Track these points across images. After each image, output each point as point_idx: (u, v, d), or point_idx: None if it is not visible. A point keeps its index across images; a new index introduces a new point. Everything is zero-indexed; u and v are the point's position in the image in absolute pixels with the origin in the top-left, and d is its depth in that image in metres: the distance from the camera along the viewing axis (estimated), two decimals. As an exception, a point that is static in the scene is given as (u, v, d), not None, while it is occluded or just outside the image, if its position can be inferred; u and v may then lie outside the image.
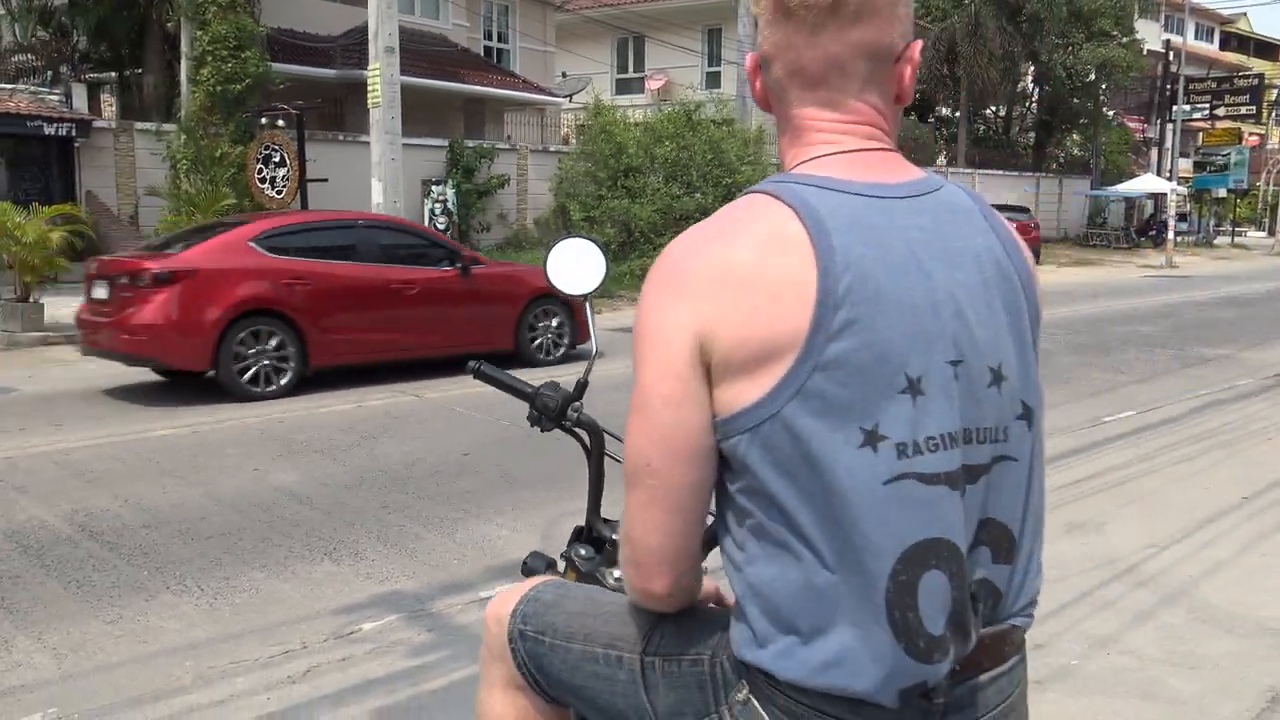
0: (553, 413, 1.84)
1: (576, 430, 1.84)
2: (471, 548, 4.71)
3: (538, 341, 10.08)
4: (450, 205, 13.20)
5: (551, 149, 21.34)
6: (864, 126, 1.19)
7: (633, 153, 18.52)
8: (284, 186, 13.46)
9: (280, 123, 13.58)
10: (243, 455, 6.36)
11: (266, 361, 8.19)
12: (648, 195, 17.98)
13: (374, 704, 3.22)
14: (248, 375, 8.12)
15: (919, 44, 1.22)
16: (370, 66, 13.00)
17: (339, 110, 19.63)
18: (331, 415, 7.57)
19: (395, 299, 8.84)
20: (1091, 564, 4.43)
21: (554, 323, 10.15)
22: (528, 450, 6.58)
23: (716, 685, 1.23)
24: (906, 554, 1.08)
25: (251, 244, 8.28)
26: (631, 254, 17.57)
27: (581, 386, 1.83)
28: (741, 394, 1.09)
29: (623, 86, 32.51)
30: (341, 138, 17.33)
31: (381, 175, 12.92)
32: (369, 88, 12.99)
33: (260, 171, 13.67)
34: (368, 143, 13.48)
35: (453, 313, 9.34)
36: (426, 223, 13.27)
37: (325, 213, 10.26)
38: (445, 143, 18.53)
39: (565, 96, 26.65)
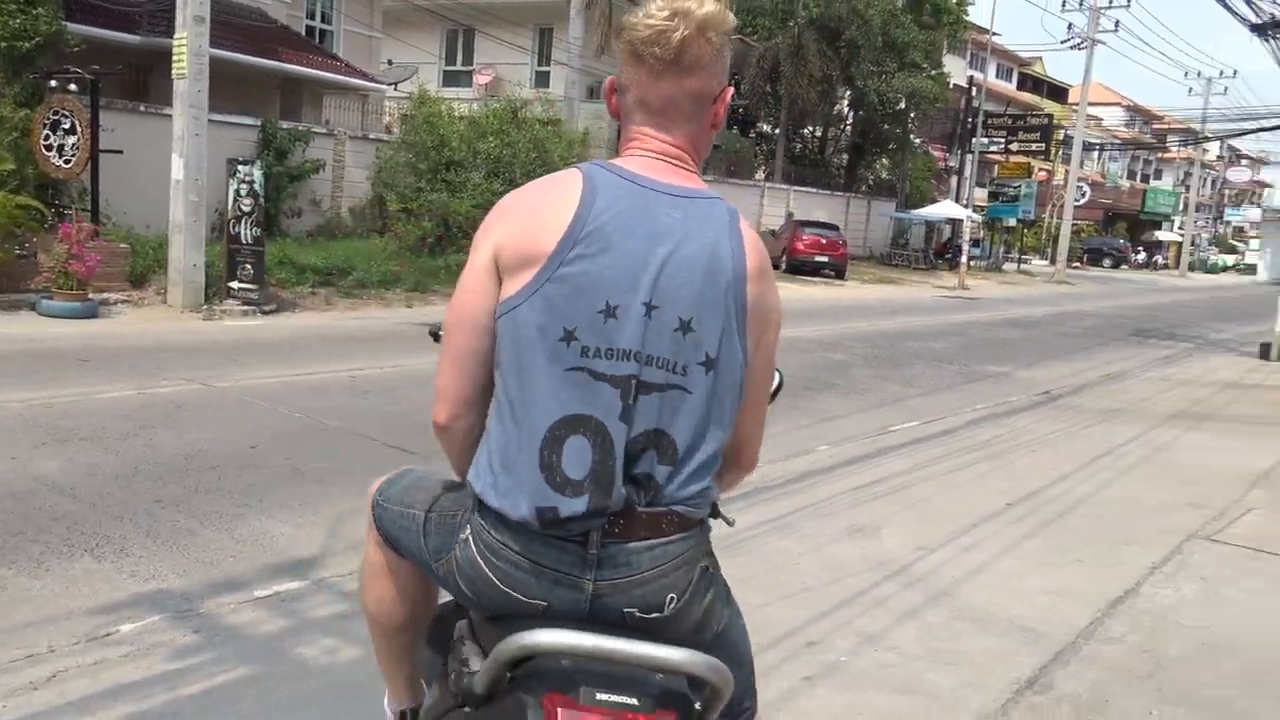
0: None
1: None
2: (251, 544, 4.49)
3: None
4: (257, 187, 12.56)
5: (371, 136, 20.70)
6: (675, 148, 1.68)
7: (455, 146, 18.19)
8: (73, 156, 12.53)
9: (73, 87, 12.61)
10: None
11: None
12: (468, 190, 17.69)
13: (124, 710, 3.01)
14: None
15: (730, 89, 1.72)
16: (177, 35, 12.27)
17: (143, 80, 18.46)
18: (107, 402, 7.08)
19: None
20: (867, 565, 4.62)
21: None
22: (319, 443, 6.35)
23: (456, 530, 1.71)
24: (564, 419, 1.55)
25: None
26: (449, 249, 17.26)
27: None
28: (510, 287, 1.59)
29: (450, 79, 31.98)
30: (143, 109, 16.29)
31: (183, 151, 12.21)
32: (174, 57, 12.26)
33: (47, 138, 12.66)
34: (171, 116, 12.72)
35: None
36: (230, 204, 12.60)
37: None
38: (257, 122, 17.69)
39: (389, 84, 25.96)
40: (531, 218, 1.59)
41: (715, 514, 1.85)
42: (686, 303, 1.58)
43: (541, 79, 30.31)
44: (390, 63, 28.66)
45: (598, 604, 1.59)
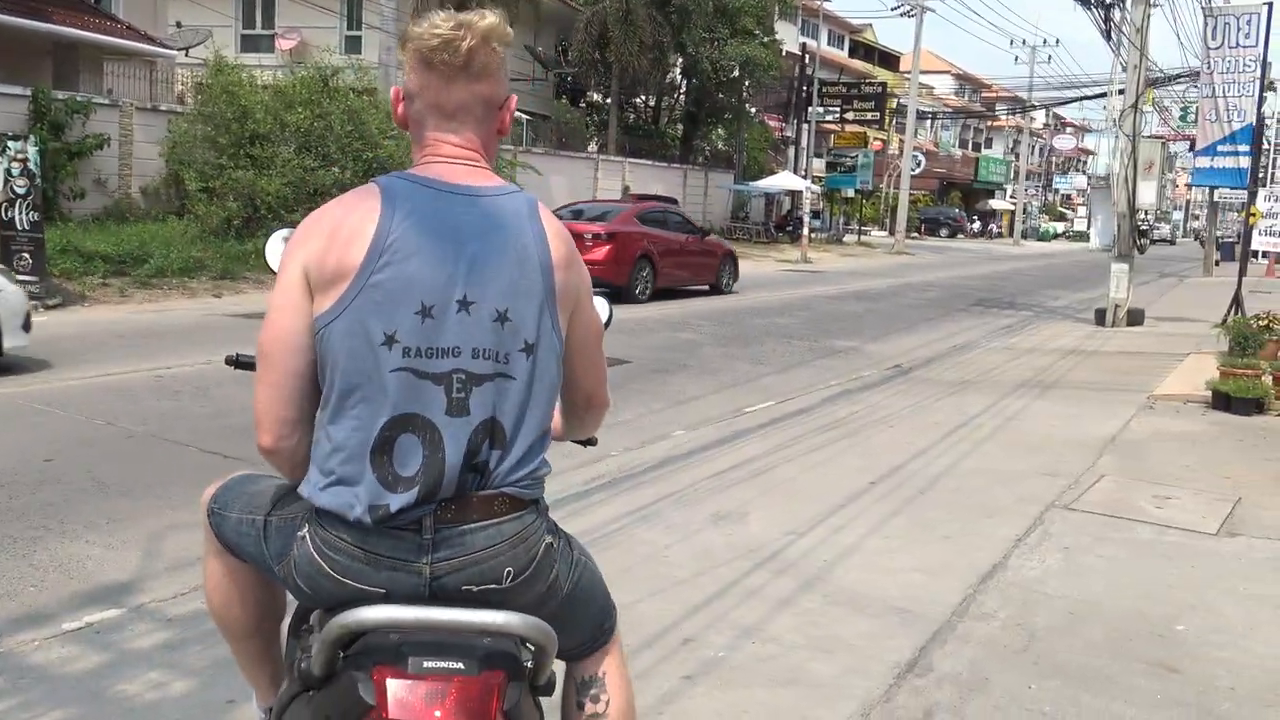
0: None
1: None
2: (54, 571, 4.19)
3: (724, 278, 18.73)
4: (32, 166, 11.71)
5: (163, 108, 19.65)
6: (468, 150, 1.86)
7: (260, 118, 17.49)
8: None
9: None
10: None
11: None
12: (277, 166, 17.05)
13: (-86, 771, 2.76)
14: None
15: (514, 98, 1.93)
16: (-75, -8, 11.32)
17: (-117, 43, 16.99)
18: None
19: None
20: (735, 554, 4.69)
21: (730, 269, 19.07)
22: (125, 453, 6.01)
23: (294, 530, 1.84)
24: (392, 420, 1.71)
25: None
26: (259, 231, 16.57)
27: None
28: (323, 303, 1.73)
29: (249, 44, 30.66)
30: (-114, 77, 15.00)
31: (-60, 125, 11.29)
32: (-77, 18, 11.31)
33: None
34: (-79, 84, 11.73)
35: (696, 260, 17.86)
36: (2, 184, 11.72)
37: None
38: (27, 92, 16.52)
39: (180, 50, 24.68)
40: (335, 233, 1.74)
41: (587, 443, 2.30)
42: (500, 295, 1.76)
43: (352, 44, 29.42)
44: (179, 25, 27.25)
45: (436, 585, 1.74)
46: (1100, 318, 15.74)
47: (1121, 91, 16.00)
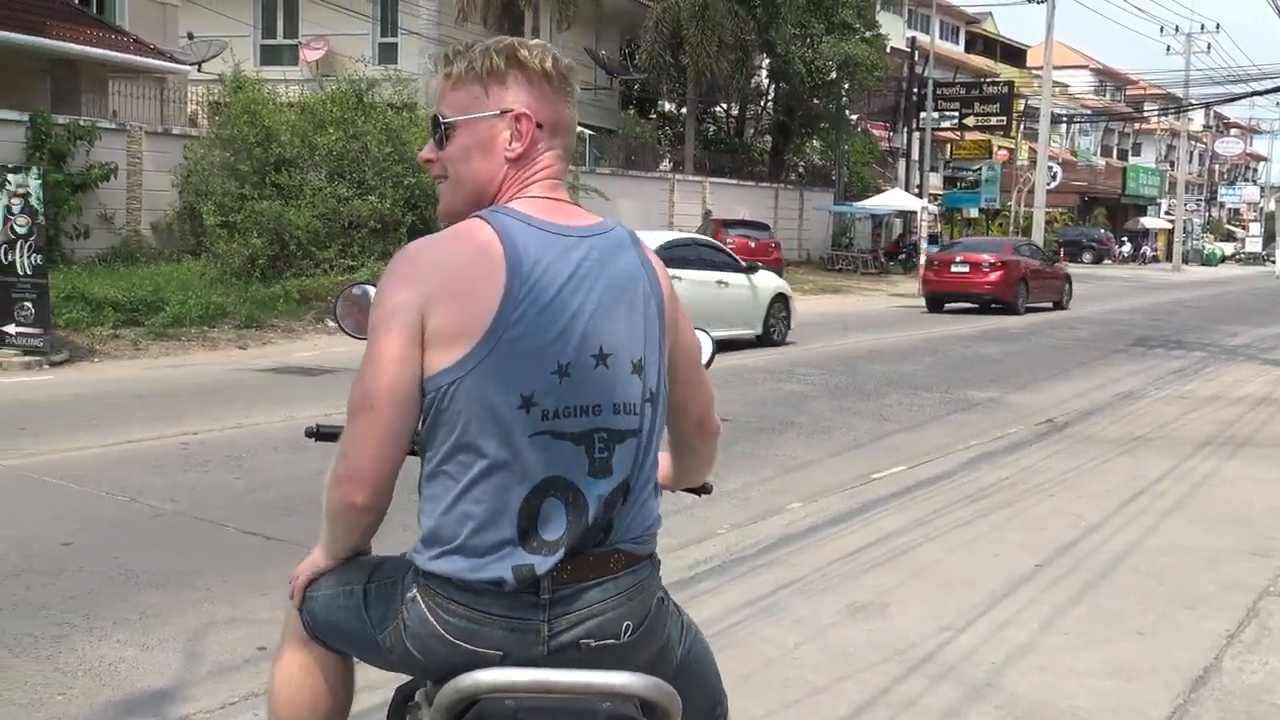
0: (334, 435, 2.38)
1: None
2: (84, 676, 4.25)
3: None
4: (34, 201, 12.09)
5: (175, 131, 20.30)
6: (559, 180, 2.03)
7: (286, 141, 17.96)
8: None
9: None
10: None
11: None
12: (306, 196, 17.45)
13: None
14: None
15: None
16: (-83, 8, 11.82)
17: None
18: None
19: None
20: (881, 655, 4.59)
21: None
22: (154, 535, 6.10)
23: (400, 593, 1.98)
24: (536, 486, 1.86)
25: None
26: (286, 271, 16.95)
27: None
28: (441, 359, 1.83)
29: (270, 55, 31.53)
30: None
31: (-67, 157, 11.74)
32: (-85, 37, 11.80)
33: None
34: (-88, 112, 12.22)
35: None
36: (1, 223, 12.12)
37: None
38: (24, 117, 17.14)
39: (193, 64, 25.47)
40: (457, 279, 1.84)
41: (702, 490, 2.46)
42: (634, 343, 1.94)
43: (387, 53, 30.13)
44: (191, 36, 28.17)
45: (554, 644, 1.89)
46: (1292, 358, 15.21)
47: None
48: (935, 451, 9.15)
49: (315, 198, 17.45)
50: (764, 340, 16.91)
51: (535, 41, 2.04)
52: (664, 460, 2.24)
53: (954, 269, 25.00)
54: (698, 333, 2.27)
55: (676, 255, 15.49)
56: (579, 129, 2.10)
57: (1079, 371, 14.94)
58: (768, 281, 17.65)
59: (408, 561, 2.01)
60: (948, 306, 24.12)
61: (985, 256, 24.75)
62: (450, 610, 1.89)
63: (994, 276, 24.27)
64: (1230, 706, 4.13)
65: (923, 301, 26.01)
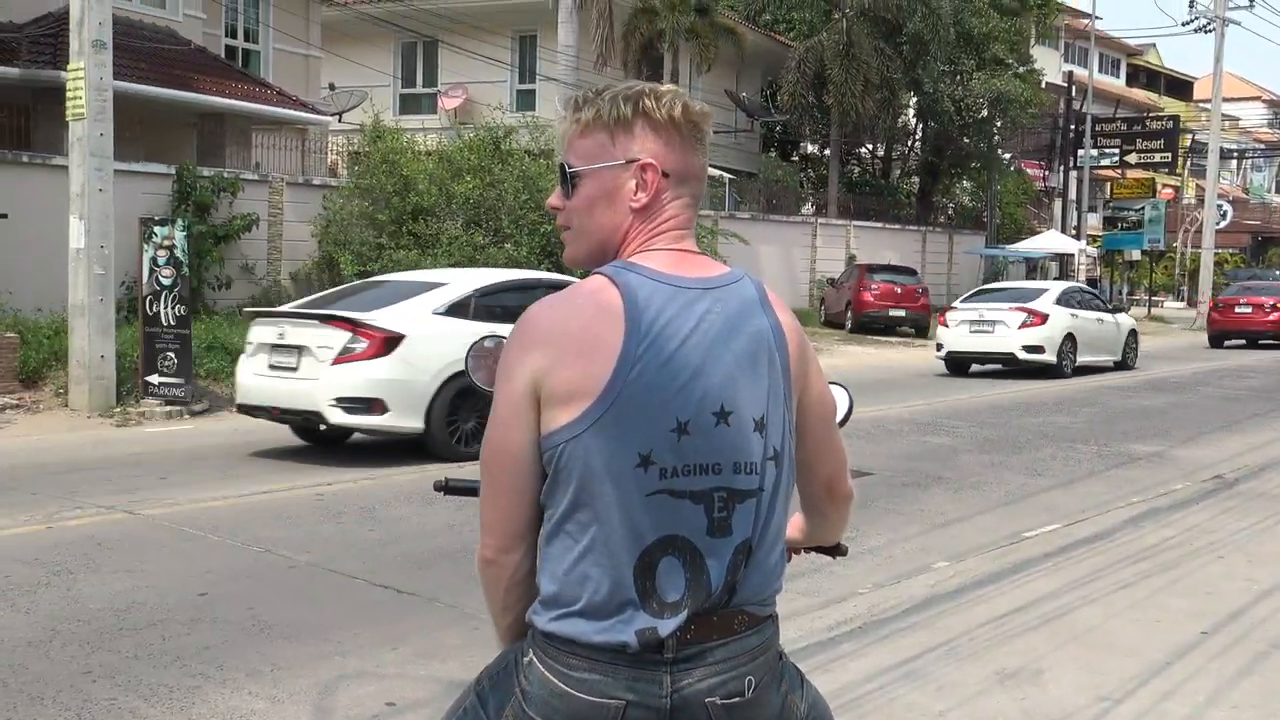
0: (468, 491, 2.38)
1: None
2: (215, 728, 4.38)
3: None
4: (179, 253, 12.63)
5: (315, 182, 20.98)
6: (685, 230, 2.04)
7: (424, 189, 18.42)
8: (-59, 223, 12.72)
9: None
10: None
11: None
12: (443, 245, 17.86)
13: None
14: None
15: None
16: (71, 66, 12.48)
17: (24, 122, 18.77)
18: (6, 543, 7.01)
19: None
20: (1034, 725, 4.48)
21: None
22: (287, 586, 6.27)
23: (517, 662, 1.99)
24: (652, 545, 1.87)
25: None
26: (422, 320, 17.30)
27: None
28: (559, 418, 1.87)
29: (409, 104, 32.46)
30: (27, 159, 16.55)
31: (84, 211, 12.34)
32: (68, 94, 12.45)
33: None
34: (65, 167, 12.87)
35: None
36: (146, 276, 12.67)
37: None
38: (171, 170, 17.93)
39: (333, 115, 26.30)
40: (574, 340, 1.89)
41: (835, 551, 2.41)
42: (756, 401, 1.94)
43: (524, 100, 30.77)
44: (332, 87, 29.14)
45: (678, 699, 1.90)
46: None
47: None
48: (1093, 509, 8.91)
49: (452, 246, 17.83)
50: (1121, 366, 21.97)
51: (667, 88, 2.05)
52: (796, 519, 2.27)
53: (1238, 310, 30.95)
54: (834, 388, 2.25)
55: (1074, 299, 21.55)
56: (719, 173, 2.20)
57: (1251, 424, 14.41)
58: (1125, 321, 23.15)
59: (518, 646, 2.04)
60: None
61: (1265, 300, 30.74)
62: (571, 665, 1.90)
63: (1274, 316, 30.32)
64: None
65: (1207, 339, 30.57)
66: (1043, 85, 39.41)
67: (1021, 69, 37.27)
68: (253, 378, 10.46)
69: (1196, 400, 16.99)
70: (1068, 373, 20.11)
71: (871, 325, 27.63)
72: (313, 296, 13.02)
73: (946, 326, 20.91)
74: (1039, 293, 21.61)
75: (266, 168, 21.80)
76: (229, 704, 4.61)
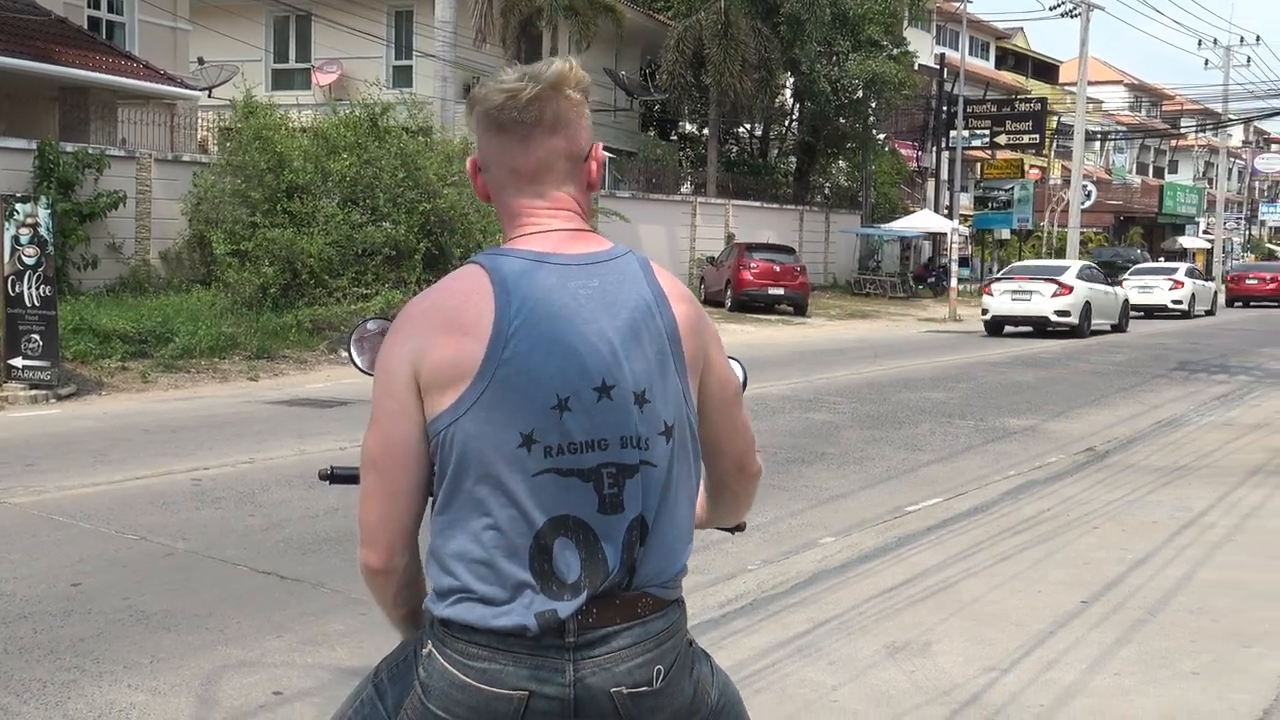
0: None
1: None
2: (92, 723, 4.22)
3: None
4: (44, 232, 12.18)
5: (185, 159, 20.37)
6: (563, 211, 1.99)
7: (299, 167, 18.03)
8: None
9: None
10: None
11: None
12: (319, 223, 17.50)
13: None
14: None
15: (600, 145, 2.06)
16: (-76, 35, 11.94)
17: None
18: None
19: None
20: (925, 697, 4.54)
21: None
22: (165, 575, 6.09)
23: (416, 654, 1.97)
24: (544, 525, 1.85)
25: None
26: (299, 300, 16.99)
27: None
28: (439, 404, 1.86)
29: (282, 79, 31.79)
30: (-125, 133, 15.81)
31: (-61, 187, 11.82)
32: (-79, 65, 11.92)
33: None
34: (-82, 141, 12.32)
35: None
36: (9, 254, 12.18)
37: None
38: (33, 145, 17.26)
39: (203, 90, 25.67)
40: (447, 325, 1.88)
41: (736, 528, 2.39)
42: (637, 374, 1.91)
43: (401, 76, 30.35)
44: (201, 61, 28.41)
45: (581, 688, 1.87)
46: (1342, 382, 15.25)
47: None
48: (972, 483, 9.08)
49: (328, 225, 17.48)
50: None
51: (514, 69, 2.01)
52: (700, 497, 2.22)
53: (1248, 281, 43.55)
54: (731, 363, 2.21)
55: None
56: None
57: (1119, 398, 14.84)
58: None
59: (418, 636, 2.03)
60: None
61: (1266, 274, 43.80)
62: (470, 655, 1.87)
63: (1271, 286, 42.18)
64: (1293, 752, 4.06)
65: (954, 327, 26.17)
66: (916, 67, 40.00)
67: (895, 51, 37.80)
68: (1007, 301, 25.03)
69: (1066, 375, 17.44)
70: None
71: (751, 304, 27.83)
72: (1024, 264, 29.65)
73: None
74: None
75: (134, 144, 21.16)
76: (107, 698, 4.44)
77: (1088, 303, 25.56)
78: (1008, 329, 25.77)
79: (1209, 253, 63.95)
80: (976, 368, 18.16)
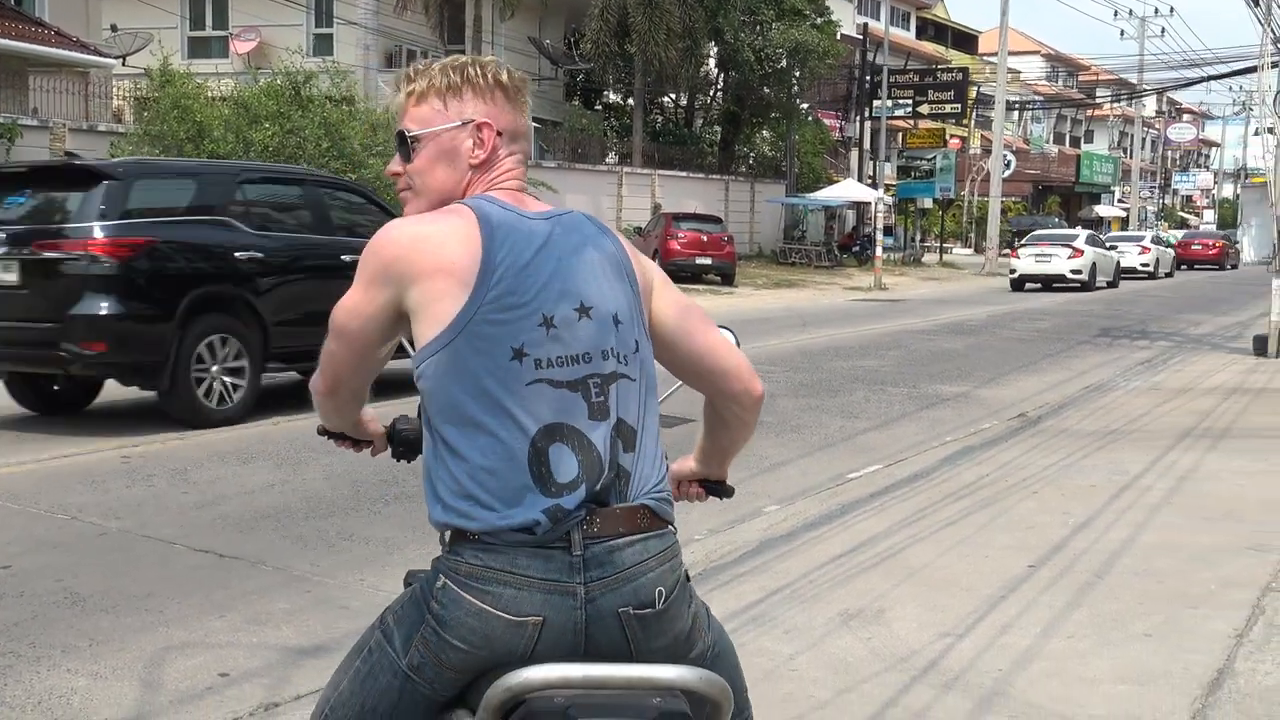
0: (416, 442, 2.42)
1: None
2: (33, 710, 4.07)
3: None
4: (-44, 204, 11.82)
5: (101, 128, 19.94)
6: (521, 184, 2.26)
7: (219, 137, 17.71)
8: None
9: None
10: None
11: None
12: (242, 194, 17.15)
13: None
14: None
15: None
16: None
17: None
18: None
19: None
20: (883, 664, 4.52)
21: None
22: (99, 555, 5.91)
23: (425, 591, 2.07)
24: (539, 431, 2.02)
25: None
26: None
27: None
28: (434, 324, 2.03)
29: (199, 48, 31.11)
30: None
31: None
32: None
33: None
34: None
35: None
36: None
37: None
38: (-60, 115, 16.79)
39: (117, 58, 25.05)
40: (436, 253, 2.05)
41: (723, 491, 2.54)
42: (612, 300, 2.13)
43: (322, 44, 29.84)
44: (114, 29, 27.75)
45: (592, 609, 2.00)
46: (1261, 346, 15.53)
47: (1276, 65, 15.86)
48: (910, 449, 9.12)
49: (251, 195, 17.16)
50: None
51: (488, 59, 2.30)
52: (687, 457, 2.52)
53: (1193, 247, 50.08)
54: (723, 330, 2.41)
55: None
56: None
57: (1046, 364, 15.03)
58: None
59: (423, 576, 2.14)
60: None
61: (1208, 240, 52.18)
62: (485, 579, 1.99)
63: (1213, 251, 49.67)
64: (1250, 710, 4.09)
65: (880, 296, 26.35)
66: (838, 37, 40.11)
67: (819, 20, 37.88)
68: (1031, 263, 31.14)
69: (994, 342, 17.63)
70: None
71: (679, 274, 27.70)
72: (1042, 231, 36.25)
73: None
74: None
75: (46, 113, 20.63)
76: (45, 684, 4.29)
77: (1094, 263, 31.81)
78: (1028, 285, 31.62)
79: (1124, 221, 65.08)
80: (904, 335, 18.29)
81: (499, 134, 2.21)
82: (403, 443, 2.50)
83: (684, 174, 35.51)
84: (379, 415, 2.53)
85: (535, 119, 31.80)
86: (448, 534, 2.09)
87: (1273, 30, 16.14)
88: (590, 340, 2.09)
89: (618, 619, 2.01)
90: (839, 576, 5.71)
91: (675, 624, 2.09)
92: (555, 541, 2.00)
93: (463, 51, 30.44)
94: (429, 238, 2.08)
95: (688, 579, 2.17)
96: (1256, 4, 15.40)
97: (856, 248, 40.04)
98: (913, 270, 38.53)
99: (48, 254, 8.67)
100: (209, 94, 19.43)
